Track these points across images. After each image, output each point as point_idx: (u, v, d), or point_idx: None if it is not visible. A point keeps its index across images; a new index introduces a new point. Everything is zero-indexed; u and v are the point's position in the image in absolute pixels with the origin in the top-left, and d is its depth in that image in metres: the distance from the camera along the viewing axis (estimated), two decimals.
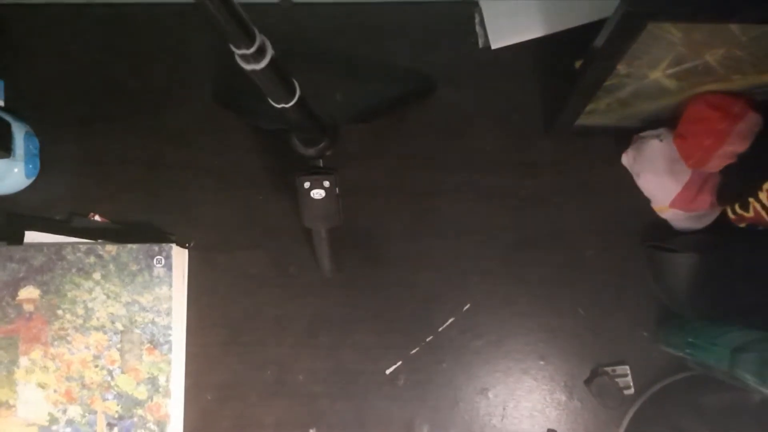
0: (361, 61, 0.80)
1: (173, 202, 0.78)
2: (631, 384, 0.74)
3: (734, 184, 0.68)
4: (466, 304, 0.76)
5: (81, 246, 0.73)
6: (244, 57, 0.48)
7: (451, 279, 0.76)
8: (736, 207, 0.69)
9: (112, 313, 0.72)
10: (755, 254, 0.70)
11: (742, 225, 0.70)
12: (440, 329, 0.76)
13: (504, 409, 0.75)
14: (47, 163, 0.79)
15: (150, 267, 0.72)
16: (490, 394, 0.75)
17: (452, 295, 0.76)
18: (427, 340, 0.75)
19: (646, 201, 0.75)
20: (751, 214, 0.67)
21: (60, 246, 0.73)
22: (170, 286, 0.72)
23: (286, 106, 0.56)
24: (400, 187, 0.78)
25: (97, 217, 0.75)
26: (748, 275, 0.70)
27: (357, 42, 0.80)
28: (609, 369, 0.74)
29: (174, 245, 0.73)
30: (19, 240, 0.75)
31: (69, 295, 0.72)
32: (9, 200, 0.78)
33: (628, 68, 0.59)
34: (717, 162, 0.65)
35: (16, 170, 0.75)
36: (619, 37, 0.54)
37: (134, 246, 0.73)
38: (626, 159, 0.75)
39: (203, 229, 0.77)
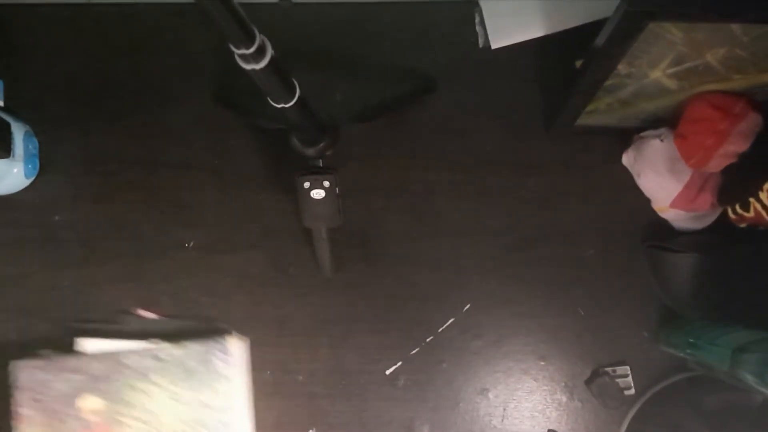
0: (361, 61, 0.80)
1: (173, 202, 0.78)
2: (632, 384, 0.74)
3: (735, 184, 0.68)
4: (466, 305, 0.76)
5: (139, 351, 0.70)
6: (243, 57, 0.48)
7: (451, 279, 0.76)
8: (737, 207, 0.69)
9: (175, 414, 0.69)
10: (756, 254, 0.70)
11: (743, 225, 0.70)
12: (440, 329, 0.75)
13: (504, 409, 0.74)
14: (46, 163, 0.78)
15: (209, 363, 0.69)
16: (491, 395, 0.75)
17: (452, 296, 0.76)
18: (427, 340, 0.75)
19: (647, 201, 0.75)
20: (751, 214, 0.67)
21: (117, 353, 0.70)
22: (230, 380, 0.70)
23: (286, 106, 0.56)
24: (399, 187, 0.78)
25: (143, 312, 0.74)
26: (749, 275, 0.70)
27: (357, 42, 0.80)
28: (609, 369, 0.74)
29: (232, 338, 0.71)
30: (68, 346, 0.72)
31: (131, 401, 0.69)
32: (8, 200, 0.78)
33: (629, 68, 0.59)
34: (718, 162, 0.65)
35: (15, 170, 0.75)
36: (620, 37, 0.54)
37: (192, 344, 0.70)
38: (627, 159, 0.75)
39: (203, 229, 0.77)
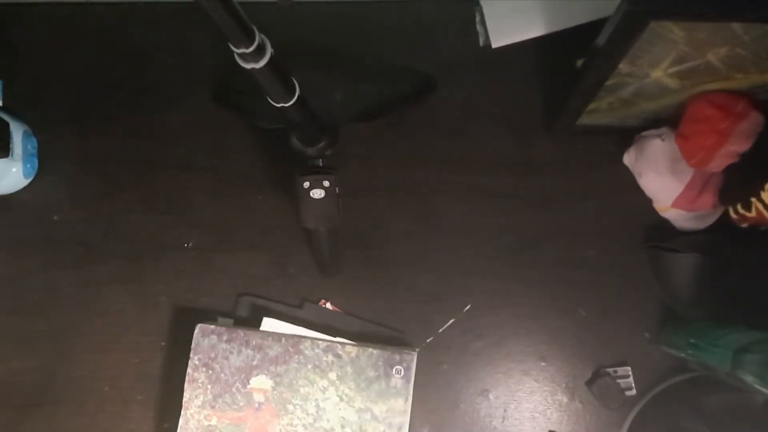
0: (361, 61, 0.79)
1: (172, 202, 0.78)
2: (633, 385, 0.73)
3: (736, 183, 0.68)
4: (466, 305, 0.75)
5: (320, 342, 0.69)
6: (243, 56, 0.48)
7: (451, 280, 0.76)
8: (739, 207, 0.69)
9: (343, 417, 0.68)
10: (757, 254, 0.70)
11: (744, 225, 0.70)
12: (440, 330, 0.75)
13: (505, 410, 0.74)
14: (45, 162, 0.78)
15: (388, 376, 0.68)
16: (491, 396, 0.74)
17: (452, 296, 0.75)
18: (428, 341, 0.75)
19: (648, 201, 0.75)
20: (753, 213, 0.67)
21: (299, 339, 0.69)
22: (406, 399, 0.68)
23: (286, 105, 0.56)
24: (400, 187, 0.77)
25: (328, 305, 0.74)
26: (750, 276, 0.70)
27: (357, 42, 0.80)
28: (611, 370, 0.73)
29: (413, 354, 0.70)
30: (255, 325, 0.73)
31: (302, 391, 0.69)
32: (7, 200, 0.77)
33: (630, 67, 0.58)
34: (719, 161, 0.65)
35: (14, 170, 0.75)
36: (621, 36, 0.53)
37: (375, 351, 0.69)
38: (628, 158, 0.75)
39: (203, 229, 0.77)
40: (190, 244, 0.77)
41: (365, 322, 0.74)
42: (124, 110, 0.79)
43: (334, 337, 0.72)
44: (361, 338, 0.72)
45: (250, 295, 0.75)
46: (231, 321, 0.73)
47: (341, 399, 0.69)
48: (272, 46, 0.49)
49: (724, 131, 0.63)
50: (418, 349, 0.70)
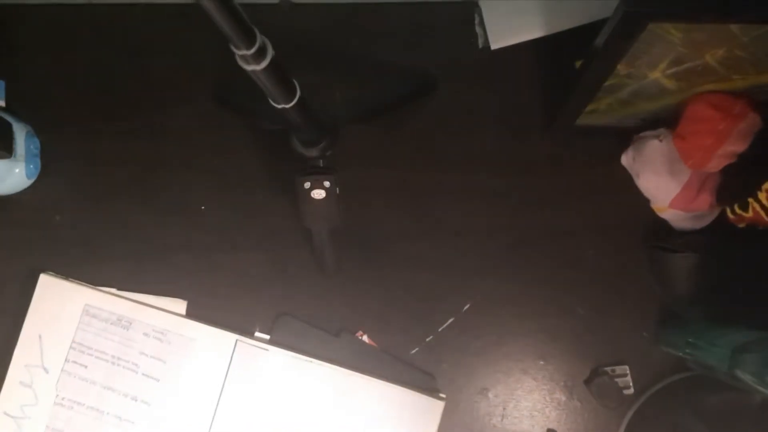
0: (361, 61, 0.80)
1: (173, 202, 0.78)
2: (631, 384, 0.74)
3: (734, 184, 0.68)
4: (466, 304, 0.76)
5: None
6: (244, 58, 0.48)
7: (451, 279, 0.76)
8: (736, 207, 0.69)
9: None
10: (755, 254, 0.70)
11: (742, 225, 0.70)
12: (440, 329, 0.75)
13: (504, 408, 0.75)
14: (48, 163, 0.79)
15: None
16: (490, 394, 0.75)
17: (452, 295, 0.76)
18: (427, 340, 0.75)
19: (646, 201, 0.75)
20: (750, 214, 0.67)
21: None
22: None
23: (287, 106, 0.56)
24: (400, 187, 0.78)
25: (365, 338, 0.74)
26: (748, 275, 0.70)
27: (357, 42, 0.80)
28: (609, 369, 0.74)
29: (442, 401, 0.71)
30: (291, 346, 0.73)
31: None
32: (10, 200, 0.78)
33: (628, 68, 0.59)
34: (717, 162, 0.65)
35: (17, 171, 0.75)
36: (619, 38, 0.54)
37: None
38: (626, 159, 0.75)
39: (203, 230, 0.77)
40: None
41: (397, 360, 0.74)
42: (126, 110, 0.80)
43: (364, 370, 0.72)
44: (390, 377, 0.72)
45: (289, 315, 0.75)
46: (267, 337, 0.74)
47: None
48: (273, 48, 0.50)
49: (722, 132, 0.63)
50: (445, 397, 0.71)
